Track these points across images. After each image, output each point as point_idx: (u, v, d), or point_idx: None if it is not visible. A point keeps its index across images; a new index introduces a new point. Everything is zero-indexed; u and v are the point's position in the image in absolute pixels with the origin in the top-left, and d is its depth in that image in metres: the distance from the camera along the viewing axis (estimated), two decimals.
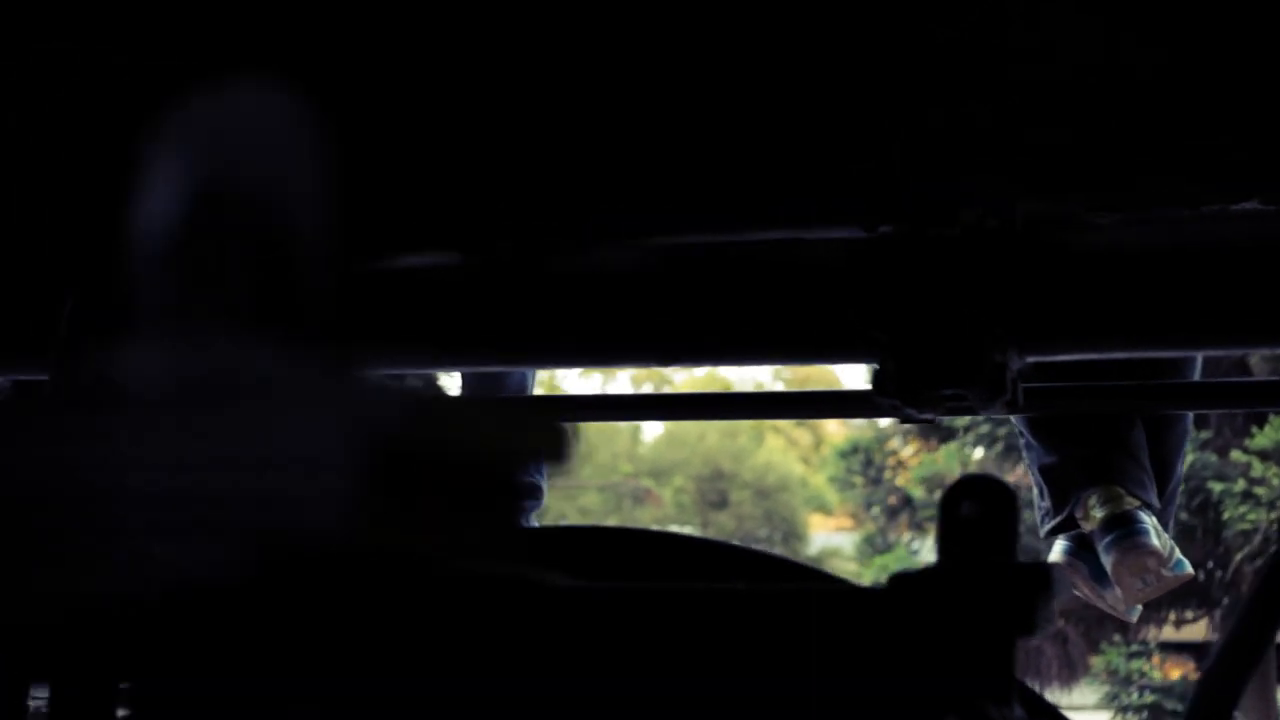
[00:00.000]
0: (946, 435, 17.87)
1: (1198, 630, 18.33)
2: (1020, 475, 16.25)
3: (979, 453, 17.75)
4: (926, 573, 1.31)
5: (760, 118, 1.62)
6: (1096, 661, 17.78)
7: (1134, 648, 17.65)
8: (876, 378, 1.74)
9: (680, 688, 1.23)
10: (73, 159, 1.88)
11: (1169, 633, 18.08)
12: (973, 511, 1.32)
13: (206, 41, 1.63)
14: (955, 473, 17.48)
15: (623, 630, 1.22)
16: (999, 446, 16.94)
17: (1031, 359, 1.78)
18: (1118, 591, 2.64)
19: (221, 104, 0.84)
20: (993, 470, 17.04)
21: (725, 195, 1.67)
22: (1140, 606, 2.75)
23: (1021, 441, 2.78)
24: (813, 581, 1.76)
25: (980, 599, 1.26)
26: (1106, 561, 2.61)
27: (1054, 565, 1.54)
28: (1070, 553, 2.74)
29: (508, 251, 1.62)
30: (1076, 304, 1.73)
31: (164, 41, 1.67)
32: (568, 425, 0.73)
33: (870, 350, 1.74)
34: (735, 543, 1.81)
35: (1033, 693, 1.75)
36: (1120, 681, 17.79)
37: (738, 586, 1.34)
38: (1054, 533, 2.73)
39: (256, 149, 0.82)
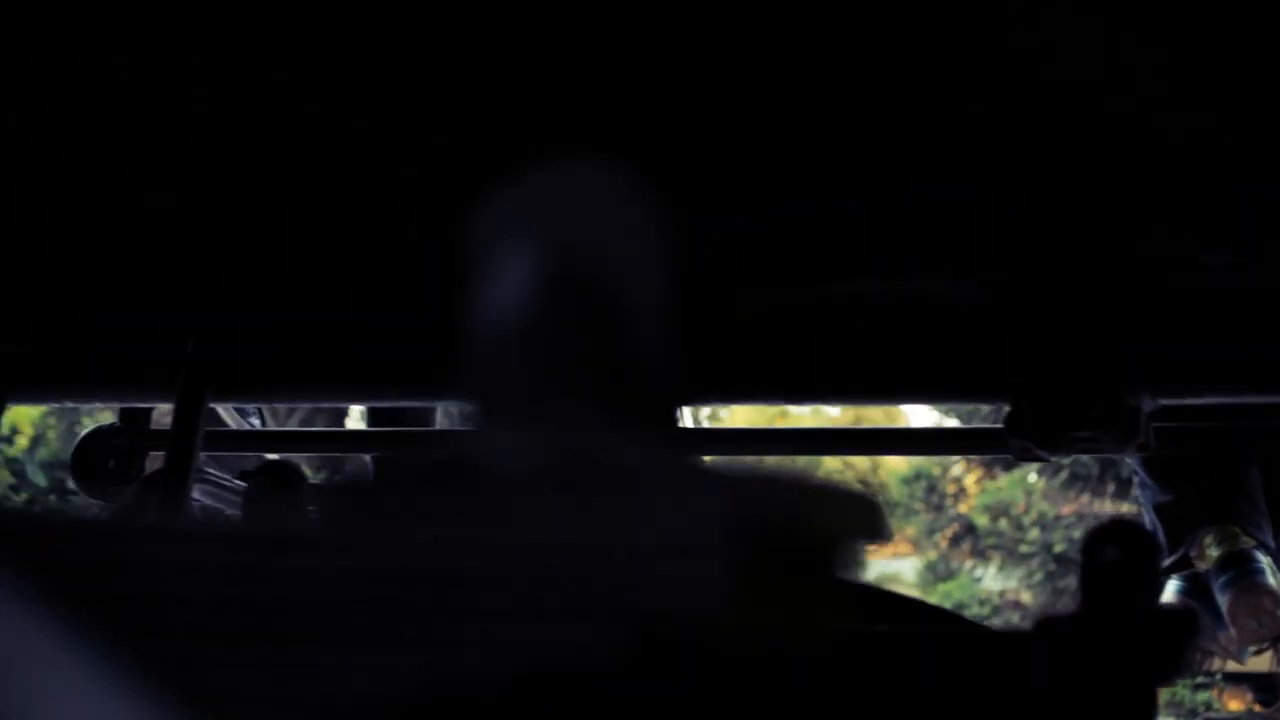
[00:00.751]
0: (1010, 463, 17.77)
1: (1261, 662, 18.16)
2: (1082, 505, 16.18)
3: (1042, 481, 17.65)
4: (1073, 618, 1.30)
5: (909, 170, 1.63)
6: (1162, 693, 17.65)
7: (1199, 679, 17.52)
8: (1010, 418, 1.74)
9: None
10: (204, 205, 1.89)
11: (1232, 665, 17.92)
12: (1115, 556, 1.31)
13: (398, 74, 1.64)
14: (1019, 501, 17.40)
15: (769, 671, 1.22)
16: (1063, 475, 16.84)
17: (1165, 402, 1.77)
18: (1231, 632, 2.62)
19: (563, 185, 0.84)
20: (1056, 499, 16.94)
21: (868, 242, 1.68)
22: (1253, 649, 2.73)
23: (1135, 479, 2.76)
24: (952, 625, 1.76)
25: (1124, 644, 1.26)
26: (1221, 601, 2.59)
27: (1197, 610, 1.53)
28: (1183, 592, 2.72)
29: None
30: (1209, 348, 1.73)
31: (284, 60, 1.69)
32: (879, 501, 0.74)
33: (1006, 391, 1.74)
34: (874, 585, 1.81)
35: None
36: (1185, 714, 17.65)
37: (881, 629, 1.34)
38: (1168, 572, 2.71)
39: (602, 229, 0.83)
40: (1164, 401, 1.79)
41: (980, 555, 19.03)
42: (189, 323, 2.17)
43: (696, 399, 1.94)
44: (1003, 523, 17.51)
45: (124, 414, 2.68)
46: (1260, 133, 1.58)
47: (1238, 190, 1.63)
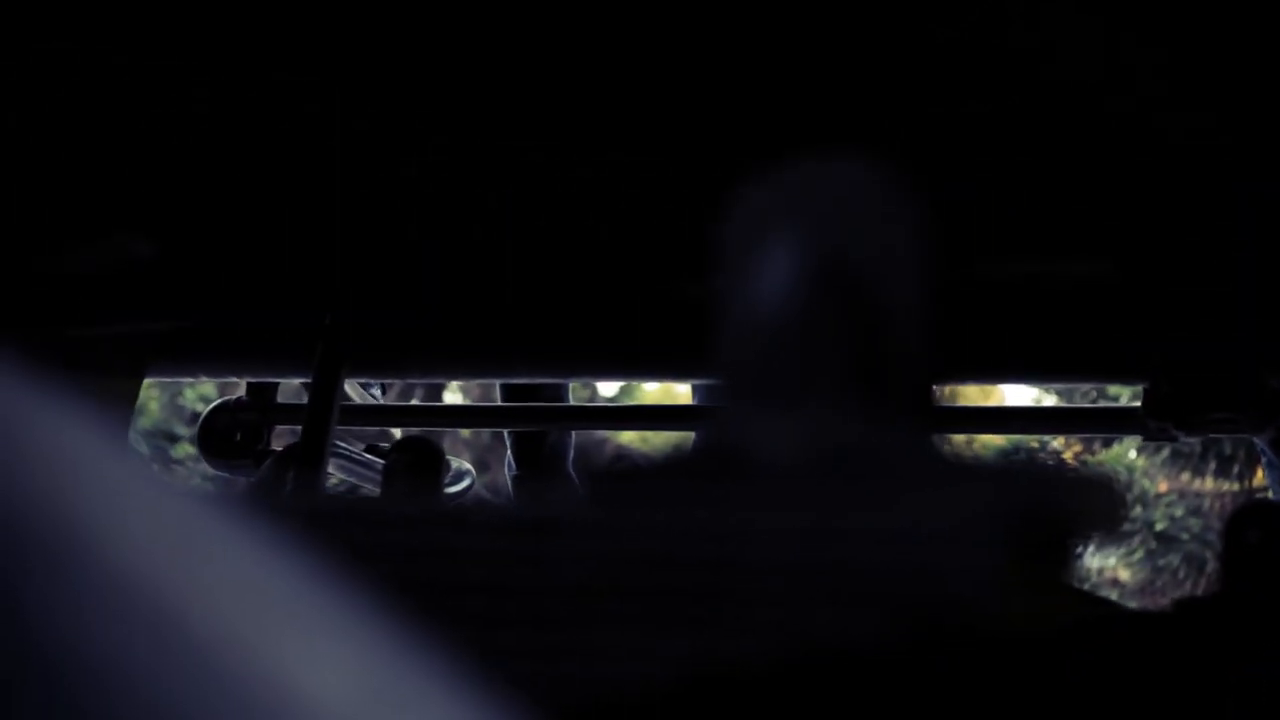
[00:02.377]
0: (1109, 439, 17.62)
1: None
2: (1184, 483, 16.02)
3: (1143, 458, 17.51)
4: (1216, 599, 1.30)
5: (1063, 155, 1.63)
6: None
7: None
8: (1149, 398, 1.74)
9: (970, 703, 1.24)
10: (339, 186, 1.92)
11: None
12: (1257, 538, 1.31)
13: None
14: (1119, 477, 17.27)
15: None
16: (1164, 452, 16.69)
17: None
18: None
19: (828, 176, 0.86)
20: (1155, 476, 16.78)
21: (1031, 225, 1.68)
22: None
23: (1263, 459, 2.75)
24: (1094, 607, 1.77)
25: (1266, 625, 1.26)
26: None
27: None
28: None
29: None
30: None
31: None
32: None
33: (1145, 372, 1.74)
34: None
35: None
36: None
37: (1095, 615, 1.35)
38: None
39: (862, 220, 0.84)
40: None
41: None
42: (324, 298, 2.19)
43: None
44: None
45: (250, 388, 2.72)
46: None
47: None
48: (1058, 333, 1.78)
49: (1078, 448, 18.78)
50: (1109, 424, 2.11)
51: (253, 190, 1.97)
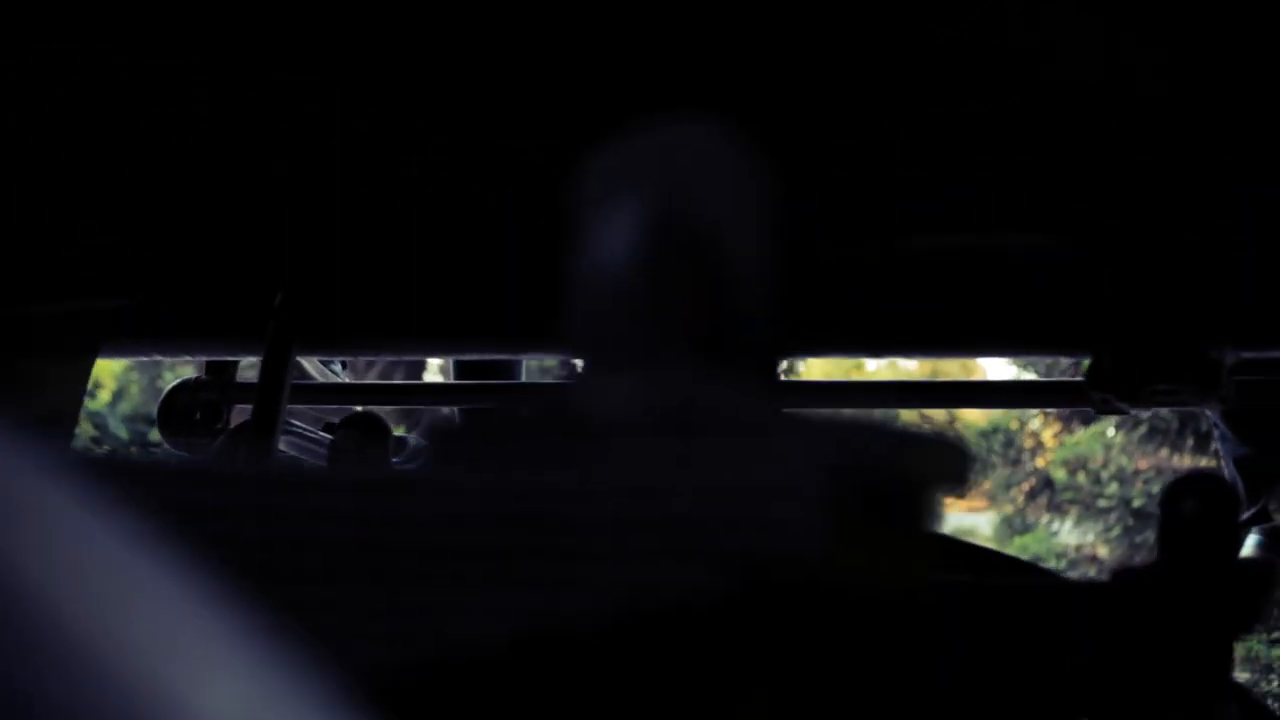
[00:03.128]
0: (1088, 417, 17.67)
1: None
2: (1160, 459, 16.08)
3: (1121, 435, 17.54)
4: (1150, 569, 1.32)
5: (1004, 130, 1.63)
6: (1237, 648, 17.55)
7: (1276, 635, 17.41)
8: (1092, 371, 1.75)
9: (908, 676, 1.25)
10: (281, 158, 1.92)
11: None
12: (1194, 510, 1.33)
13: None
14: (1098, 455, 17.30)
15: (858, 622, 1.24)
16: (1142, 429, 16.73)
17: (1246, 355, 1.78)
18: None
19: (668, 138, 0.86)
20: (1134, 453, 16.83)
21: (966, 198, 1.69)
22: None
23: (1216, 432, 2.76)
24: (1030, 576, 1.78)
25: (1203, 597, 1.27)
26: None
27: (1276, 564, 1.54)
28: (1262, 547, 2.71)
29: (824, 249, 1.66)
30: None
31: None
32: (969, 450, 0.76)
33: (1087, 344, 1.75)
34: (953, 536, 1.82)
35: (1245, 689, 1.75)
36: (1260, 669, 17.56)
37: (962, 579, 1.36)
38: (1247, 525, 2.70)
39: (707, 179, 0.85)
40: (1245, 354, 1.79)
41: (1057, 509, 18.94)
42: (277, 276, 2.20)
43: (793, 351, 1.96)
44: (1080, 477, 17.41)
45: (209, 367, 2.72)
46: None
47: None
48: (1001, 305, 1.79)
49: (1057, 426, 18.81)
50: (1053, 398, 2.13)
51: (204, 167, 1.97)
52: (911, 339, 1.81)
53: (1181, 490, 1.37)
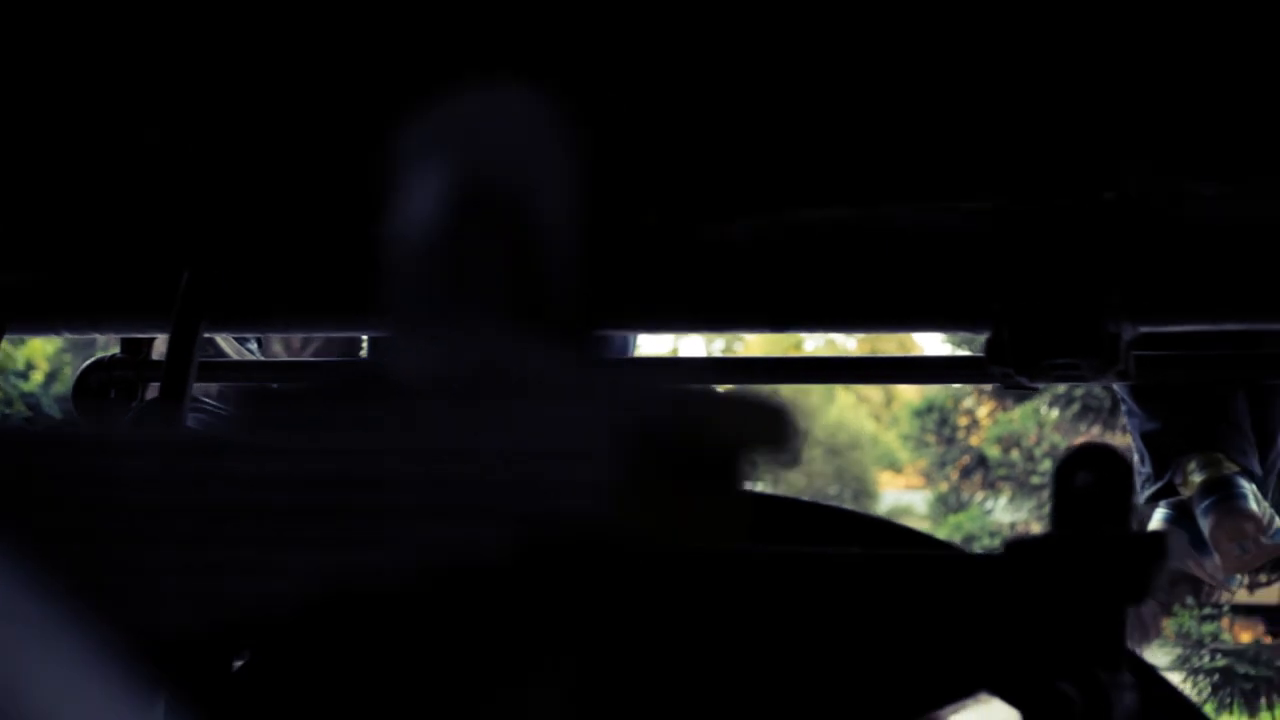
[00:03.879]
0: (1022, 395, 17.80)
1: (1270, 594, 18.22)
2: (1094, 436, 16.19)
3: (1054, 413, 17.67)
4: (1041, 540, 1.33)
5: (885, 96, 1.64)
6: (1168, 624, 17.73)
7: (1206, 611, 17.58)
8: (991, 345, 1.76)
9: (795, 649, 1.26)
10: (195, 136, 1.91)
11: (1241, 596, 17.99)
12: (1087, 481, 1.34)
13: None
14: (1031, 433, 17.43)
15: (741, 591, 1.25)
16: (1075, 406, 16.87)
17: (1145, 329, 1.79)
18: (1217, 559, 2.65)
19: (476, 105, 0.87)
20: (1068, 430, 16.96)
21: (849, 169, 1.69)
22: (1240, 576, 2.75)
23: (1124, 407, 2.79)
24: (925, 547, 1.79)
25: (1093, 568, 1.28)
26: (1204, 526, 2.61)
27: (1168, 534, 1.56)
28: (1170, 520, 2.75)
29: (652, 221, 1.66)
30: (1190, 275, 1.74)
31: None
32: (793, 412, 0.76)
33: (985, 319, 1.76)
34: (848, 508, 1.83)
35: (1142, 660, 1.77)
36: (1192, 644, 17.72)
37: (854, 551, 1.37)
38: (1154, 499, 2.73)
39: (513, 145, 0.85)
40: (1144, 329, 1.81)
41: (991, 487, 19.08)
42: (186, 251, 2.19)
43: (665, 327, 1.97)
44: (1014, 454, 17.53)
45: (125, 344, 2.71)
46: (1244, 67, 1.60)
47: (1223, 121, 1.64)
48: (899, 279, 1.80)
49: (991, 404, 18.89)
50: (955, 372, 2.14)
51: (112, 140, 1.96)
52: (807, 314, 1.81)
53: (1074, 462, 1.38)
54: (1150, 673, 1.75)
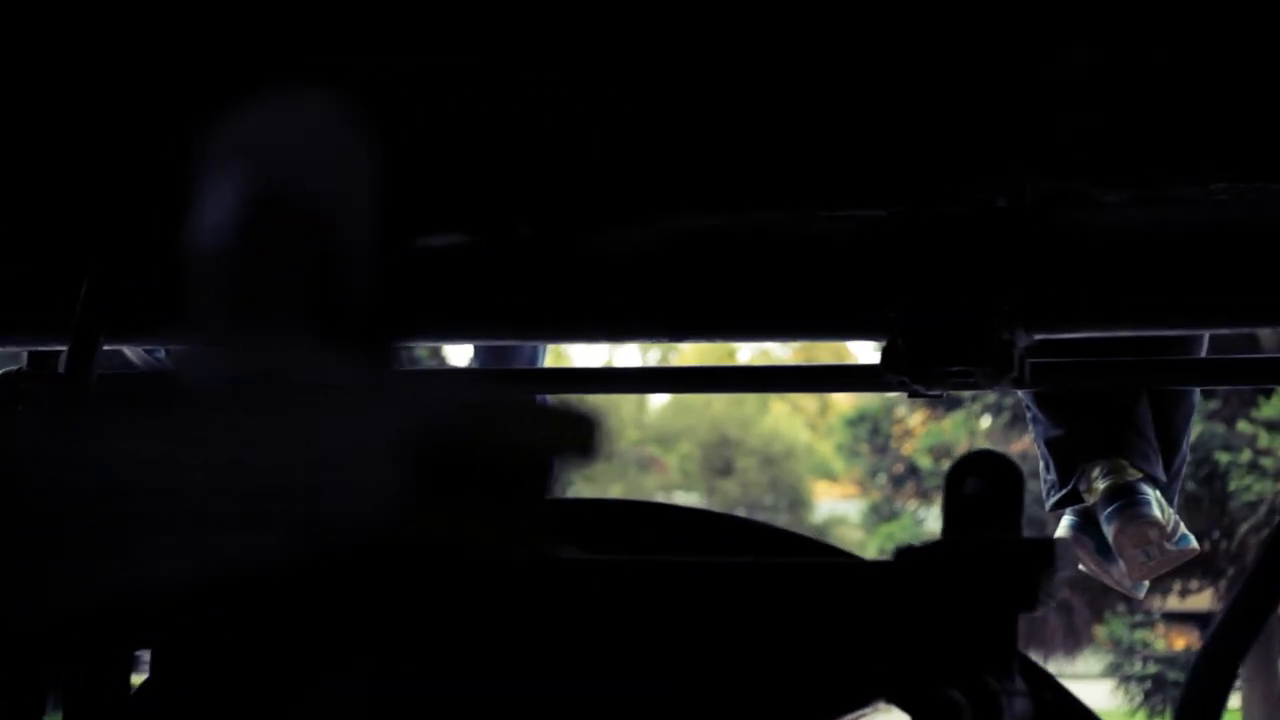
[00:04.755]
0: (953, 404, 17.90)
1: (1202, 600, 18.37)
2: (1026, 445, 16.27)
3: (986, 422, 17.76)
4: (932, 547, 1.33)
5: (775, 101, 1.64)
6: (1100, 631, 17.84)
7: (1138, 618, 17.71)
8: (886, 354, 1.76)
9: (689, 657, 1.26)
10: (96, 147, 1.90)
11: (1173, 603, 18.13)
12: (977, 488, 1.34)
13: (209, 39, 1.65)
14: (962, 442, 17.51)
15: (633, 602, 1.25)
16: (1006, 415, 16.96)
17: (1039, 336, 1.80)
18: (1122, 566, 2.66)
19: (271, 112, 0.86)
20: (999, 440, 17.04)
21: (740, 175, 1.69)
22: (1147, 583, 2.76)
23: (1029, 415, 2.79)
24: (820, 555, 1.79)
25: (983, 574, 1.29)
26: (1108, 532, 2.62)
27: (1057, 541, 1.56)
28: (1076, 527, 2.75)
29: (526, 233, 1.65)
30: (1083, 282, 1.75)
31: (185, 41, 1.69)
32: (598, 419, 0.76)
33: (880, 327, 1.77)
34: (745, 516, 1.84)
35: (1033, 664, 1.77)
36: (1124, 651, 17.84)
37: (746, 560, 1.37)
38: (1059, 506, 2.74)
39: (307, 154, 0.85)
40: (1038, 336, 1.81)
41: (924, 496, 19.17)
42: (85, 262, 2.17)
43: (538, 335, 1.97)
44: (946, 464, 17.60)
45: (32, 358, 2.69)
46: (1140, 76, 1.61)
47: (1119, 129, 1.65)
48: (794, 287, 1.80)
49: (924, 413, 18.95)
50: (852, 381, 2.14)
51: (9, 151, 1.95)
52: (699, 322, 1.82)
53: (964, 469, 1.39)
54: (1044, 677, 1.76)
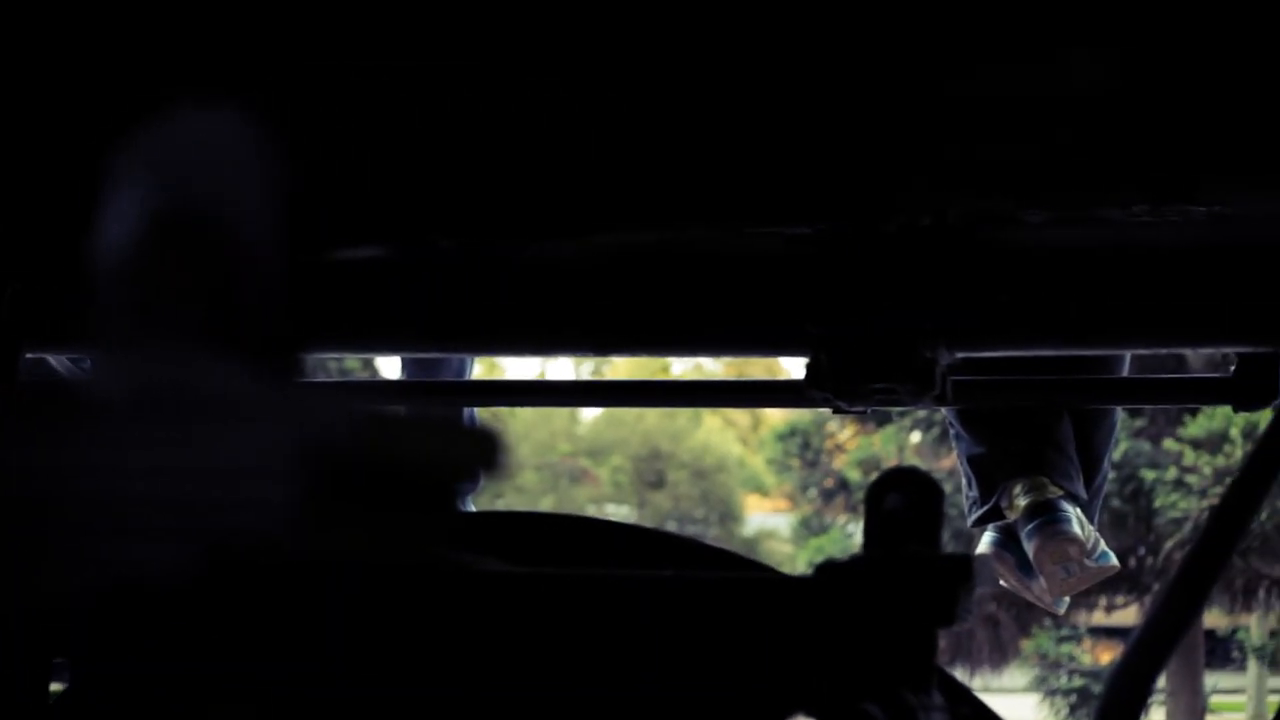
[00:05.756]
0: (884, 419, 17.97)
1: (1128, 615, 18.52)
2: (955, 461, 16.37)
3: (916, 437, 17.85)
4: (852, 563, 1.34)
5: (703, 116, 1.64)
6: (1027, 645, 17.95)
7: (1064, 632, 17.83)
8: (810, 370, 1.77)
9: (608, 673, 1.27)
10: (20, 153, 1.89)
11: (1099, 617, 18.28)
12: (898, 503, 1.35)
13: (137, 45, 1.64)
14: (892, 456, 17.57)
15: (552, 615, 1.25)
16: (935, 431, 17.04)
17: (961, 354, 1.81)
18: (1043, 582, 2.67)
19: (177, 126, 0.87)
20: (929, 455, 17.13)
21: (668, 192, 1.70)
22: (1067, 599, 2.78)
23: (951, 431, 2.81)
24: (741, 570, 1.80)
25: (903, 589, 1.30)
26: (1029, 549, 2.64)
27: (976, 557, 1.57)
28: (998, 544, 2.77)
29: (447, 245, 1.65)
30: (1005, 301, 1.76)
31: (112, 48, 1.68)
32: (500, 436, 0.77)
33: (804, 344, 1.77)
34: (669, 530, 1.84)
35: (953, 679, 1.79)
36: (1049, 665, 17.97)
37: (666, 573, 1.38)
38: (981, 522, 2.76)
39: (211, 169, 0.85)
40: (961, 354, 1.83)
41: (853, 510, 19.20)
42: (9, 269, 2.15)
43: (459, 347, 1.97)
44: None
45: None
46: (1061, 96, 1.62)
47: (1041, 148, 1.66)
48: (719, 303, 1.80)
49: (854, 428, 19.02)
50: (775, 396, 2.15)
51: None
52: (623, 337, 1.82)
53: (885, 485, 1.40)
54: (962, 692, 1.77)
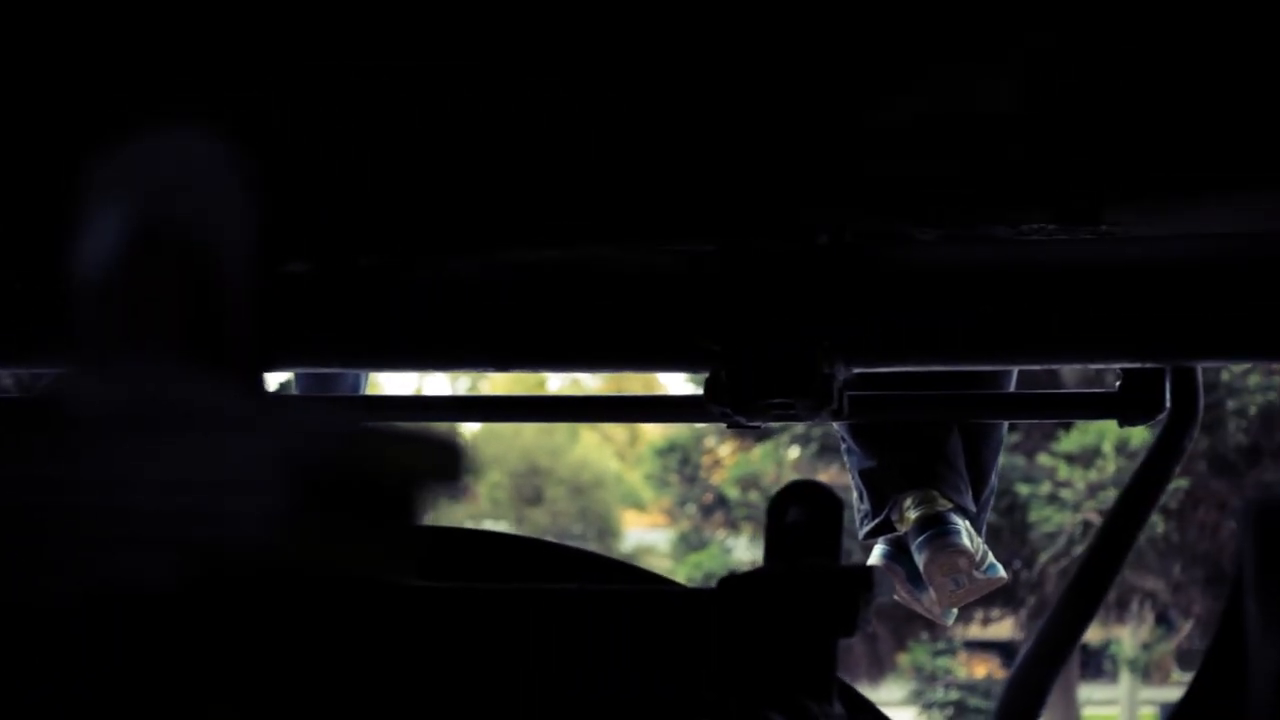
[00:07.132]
0: (762, 435, 18.03)
1: (1003, 629, 18.71)
2: (834, 476, 16.44)
3: (794, 452, 17.91)
4: (753, 575, 1.36)
5: (604, 135, 1.66)
6: (903, 658, 18.07)
7: (940, 645, 17.96)
8: (709, 385, 1.79)
9: (511, 683, 1.28)
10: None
11: (975, 631, 18.44)
12: (799, 516, 1.37)
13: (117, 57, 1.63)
14: (770, 472, 17.63)
15: (457, 628, 1.26)
16: (814, 446, 17.12)
17: (858, 370, 1.84)
18: (932, 594, 2.70)
19: (154, 147, 0.87)
20: (807, 470, 17.20)
21: (569, 210, 1.71)
22: (956, 611, 2.81)
23: (843, 445, 2.83)
24: (644, 583, 1.82)
25: (803, 601, 1.32)
26: (919, 561, 2.66)
27: (876, 568, 1.60)
28: (888, 556, 2.80)
29: (367, 264, 1.66)
30: (900, 318, 1.79)
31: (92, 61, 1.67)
32: (463, 449, 0.78)
33: (703, 359, 1.79)
34: (571, 545, 1.86)
35: (852, 690, 1.81)
36: (926, 678, 18.10)
37: (569, 587, 1.39)
38: (872, 535, 2.78)
39: (188, 189, 0.86)
40: (857, 370, 1.85)
41: (732, 526, 19.26)
42: None
43: (363, 363, 1.97)
44: (754, 494, 17.72)
45: None
46: (959, 117, 1.64)
47: (940, 167, 1.68)
48: (619, 320, 1.82)
49: (733, 444, 19.05)
50: (676, 412, 2.17)
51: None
52: (521, 352, 1.83)
53: (786, 498, 1.42)
54: (861, 702, 1.80)
